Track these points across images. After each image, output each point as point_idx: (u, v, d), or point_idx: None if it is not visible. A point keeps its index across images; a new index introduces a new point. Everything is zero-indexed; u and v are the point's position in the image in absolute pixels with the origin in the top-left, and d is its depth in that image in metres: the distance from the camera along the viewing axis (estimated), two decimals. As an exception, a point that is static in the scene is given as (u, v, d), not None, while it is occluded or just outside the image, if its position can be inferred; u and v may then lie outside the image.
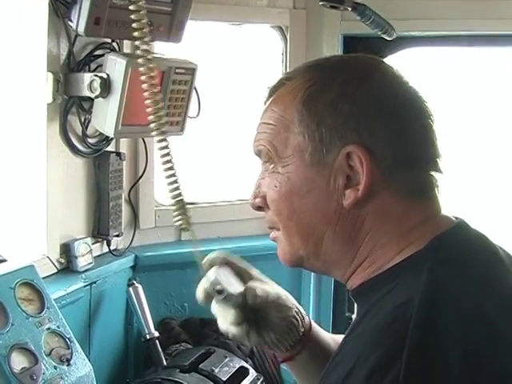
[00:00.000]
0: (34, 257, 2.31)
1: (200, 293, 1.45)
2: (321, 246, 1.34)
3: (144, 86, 1.39)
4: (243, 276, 1.54)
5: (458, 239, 1.29)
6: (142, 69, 1.39)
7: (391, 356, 1.09)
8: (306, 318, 1.62)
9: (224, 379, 2.40)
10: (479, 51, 3.47)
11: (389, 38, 2.67)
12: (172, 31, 2.37)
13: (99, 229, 2.60)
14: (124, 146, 2.70)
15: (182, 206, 1.48)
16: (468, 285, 1.21)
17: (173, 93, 2.42)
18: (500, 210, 4.27)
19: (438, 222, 1.31)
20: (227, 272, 1.49)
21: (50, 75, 2.26)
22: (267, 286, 1.54)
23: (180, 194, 1.45)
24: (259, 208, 1.42)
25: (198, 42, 2.88)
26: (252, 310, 1.47)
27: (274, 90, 1.41)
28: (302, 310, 1.60)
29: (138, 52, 1.39)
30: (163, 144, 1.44)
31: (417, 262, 1.24)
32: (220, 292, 1.40)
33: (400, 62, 3.38)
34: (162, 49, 2.52)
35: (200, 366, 2.41)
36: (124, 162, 2.64)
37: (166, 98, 2.40)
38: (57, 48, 2.31)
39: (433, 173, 1.33)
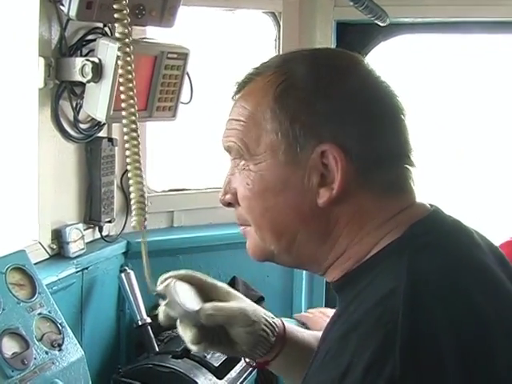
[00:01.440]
0: (26, 242, 2.31)
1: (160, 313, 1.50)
2: (294, 243, 1.33)
3: (119, 71, 1.37)
4: (209, 292, 1.54)
5: (434, 225, 1.30)
6: (118, 53, 1.36)
7: (384, 352, 1.08)
8: (279, 325, 1.61)
9: (216, 365, 2.40)
10: (473, 38, 3.47)
11: (382, 24, 2.67)
12: (164, 16, 2.36)
13: (91, 215, 2.59)
14: (116, 131, 2.68)
15: (141, 204, 1.48)
16: (450, 269, 1.22)
17: (165, 78, 2.41)
18: (493, 200, 4.27)
19: (413, 210, 1.32)
20: (186, 289, 1.48)
21: (42, 60, 2.25)
22: (232, 303, 1.54)
23: (143, 192, 1.45)
24: (229, 204, 1.40)
25: (191, 28, 2.87)
26: (214, 327, 1.49)
27: (243, 85, 1.38)
28: (272, 321, 1.59)
29: (117, 35, 1.37)
30: (133, 134, 1.42)
31: (396, 250, 1.24)
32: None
33: (393, 48, 3.38)
34: (154, 34, 2.51)
35: (192, 351, 2.40)
36: (116, 148, 2.63)
37: (157, 82, 2.39)
38: (48, 32, 2.30)
39: (407, 166, 1.33)
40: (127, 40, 1.40)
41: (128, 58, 1.39)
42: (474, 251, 1.30)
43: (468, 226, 1.36)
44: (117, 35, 1.38)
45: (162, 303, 1.45)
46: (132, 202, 1.51)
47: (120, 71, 1.40)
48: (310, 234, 1.31)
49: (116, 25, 1.37)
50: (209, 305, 1.48)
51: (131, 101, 1.47)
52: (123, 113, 1.44)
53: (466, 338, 1.13)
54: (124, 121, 1.46)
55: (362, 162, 1.27)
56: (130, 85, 1.47)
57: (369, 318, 1.15)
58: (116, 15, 1.35)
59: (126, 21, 1.36)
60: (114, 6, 1.36)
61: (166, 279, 1.50)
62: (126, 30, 1.37)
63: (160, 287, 1.47)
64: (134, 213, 1.52)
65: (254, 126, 1.31)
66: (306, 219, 1.30)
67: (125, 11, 1.38)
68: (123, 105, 1.41)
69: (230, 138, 1.36)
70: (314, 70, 1.30)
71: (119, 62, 1.38)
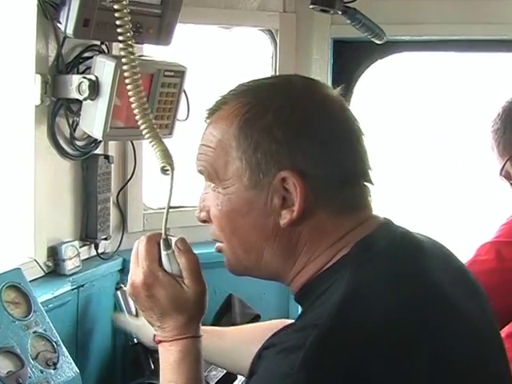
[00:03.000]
0: (21, 260, 2.30)
1: None
2: (261, 259, 1.45)
3: (129, 87, 1.42)
4: None
5: (379, 238, 1.40)
6: (126, 72, 1.42)
7: (299, 342, 1.21)
8: None
9: (212, 384, 2.38)
10: (469, 56, 3.48)
11: (379, 42, 2.68)
12: (161, 34, 2.36)
13: (87, 232, 2.58)
14: (112, 148, 2.68)
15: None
16: (386, 278, 1.33)
17: (162, 95, 2.41)
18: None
19: (365, 226, 1.43)
20: None
21: (39, 77, 2.25)
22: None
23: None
24: (204, 221, 1.51)
25: (188, 45, 2.87)
26: None
27: (212, 112, 1.48)
28: None
29: (122, 53, 1.43)
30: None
31: (343, 265, 1.36)
32: None
33: (389, 66, 3.38)
34: (151, 51, 2.51)
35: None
36: (112, 165, 2.62)
37: (154, 100, 2.39)
38: (45, 50, 2.29)
39: (364, 184, 1.44)
40: (133, 57, 1.47)
41: (136, 76, 1.46)
42: (419, 259, 1.42)
43: (416, 236, 1.48)
44: (123, 59, 1.44)
45: None
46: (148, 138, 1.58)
47: (129, 88, 1.47)
48: (274, 251, 1.43)
49: (120, 45, 1.42)
50: None
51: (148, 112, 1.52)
52: (142, 126, 1.50)
53: (389, 346, 1.23)
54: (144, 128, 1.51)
55: (321, 184, 1.38)
56: (143, 100, 1.54)
57: (305, 320, 1.32)
58: (120, 37, 1.41)
59: (130, 40, 1.43)
60: (118, 27, 1.42)
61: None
62: (132, 49, 1.44)
63: None
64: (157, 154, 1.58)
65: (221, 153, 1.42)
66: (270, 238, 1.42)
67: (129, 34, 1.45)
68: (139, 121, 1.48)
69: (201, 162, 1.47)
70: (274, 100, 1.40)
71: (127, 81, 1.43)
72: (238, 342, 2.09)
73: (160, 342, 1.56)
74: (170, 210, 1.55)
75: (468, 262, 2.42)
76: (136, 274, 1.53)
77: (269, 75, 3.09)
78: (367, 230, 1.41)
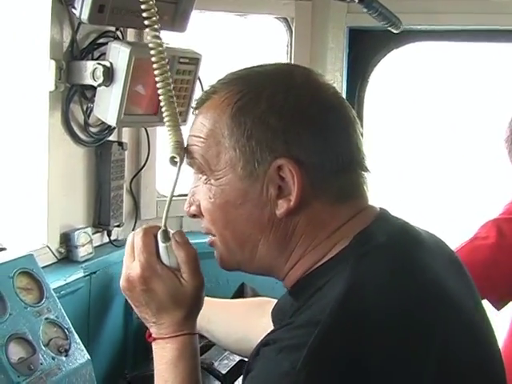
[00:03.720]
0: (34, 246, 2.29)
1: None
2: (256, 252, 1.42)
3: (156, 72, 1.46)
4: None
5: (378, 231, 1.38)
6: (153, 57, 1.41)
7: (300, 342, 1.19)
8: None
9: (223, 372, 2.37)
10: (486, 47, 3.45)
11: (395, 31, 2.65)
12: (176, 20, 2.35)
13: (100, 219, 2.58)
14: (126, 135, 2.68)
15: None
16: (387, 274, 1.30)
17: (176, 83, 2.39)
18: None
19: (362, 217, 1.40)
20: None
21: (53, 63, 2.24)
22: None
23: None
24: (194, 216, 1.49)
25: (203, 33, 2.85)
26: None
27: (201, 102, 1.45)
28: None
29: (149, 38, 1.43)
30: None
31: (342, 260, 1.33)
32: None
33: (405, 56, 3.36)
34: (166, 38, 2.49)
35: (199, 358, 2.38)
36: (126, 152, 2.62)
37: (169, 87, 2.38)
38: (60, 35, 2.28)
39: (359, 172, 1.42)
40: (159, 41, 1.48)
41: (163, 62, 1.46)
42: (417, 252, 1.39)
43: (414, 227, 1.45)
44: (150, 44, 1.43)
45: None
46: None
47: (157, 73, 1.47)
48: (269, 243, 1.40)
49: (147, 31, 1.41)
50: None
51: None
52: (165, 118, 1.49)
53: (390, 343, 1.21)
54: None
55: (317, 172, 1.35)
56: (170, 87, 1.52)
57: (305, 317, 1.27)
58: (146, 22, 1.40)
59: (156, 25, 1.42)
60: (144, 14, 1.42)
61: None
62: (159, 39, 1.44)
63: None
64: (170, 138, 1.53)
65: (213, 143, 1.39)
66: (266, 230, 1.39)
67: (154, 18, 1.44)
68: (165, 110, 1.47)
69: (191, 154, 1.44)
70: (267, 88, 1.37)
71: (154, 66, 1.44)
72: (220, 313, 2.11)
73: (155, 339, 1.53)
74: (177, 198, 1.54)
75: (469, 239, 2.42)
76: (132, 267, 1.49)
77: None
78: (365, 221, 1.39)
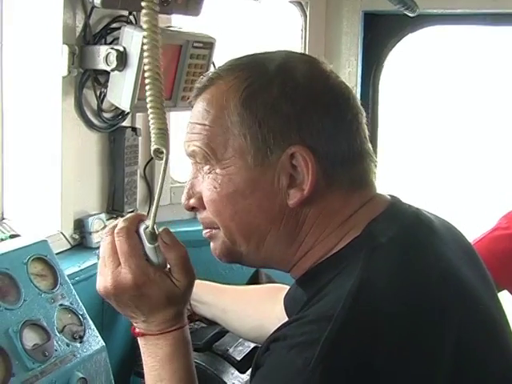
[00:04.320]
0: (48, 232, 2.29)
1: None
2: (263, 243, 1.37)
3: (146, 54, 1.34)
4: None
5: (391, 221, 1.34)
6: (145, 40, 1.34)
7: (312, 338, 1.16)
8: None
9: (238, 359, 2.36)
10: (504, 30, 3.40)
11: (411, 15, 2.62)
12: (190, 4, 2.33)
13: (114, 205, 2.57)
14: (140, 121, 2.66)
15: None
16: (401, 267, 1.27)
17: (190, 67, 2.38)
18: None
19: (373, 205, 1.37)
20: None
21: (66, 48, 2.22)
22: None
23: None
24: (193, 209, 1.42)
25: (217, 17, 2.83)
26: None
27: (203, 89, 1.39)
28: None
29: (142, 17, 1.34)
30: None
31: (355, 249, 1.30)
32: None
33: (421, 40, 3.33)
34: (180, 23, 2.48)
35: (214, 345, 2.37)
36: (140, 138, 2.60)
37: (183, 72, 2.37)
38: (72, 20, 2.27)
39: (368, 162, 1.38)
40: (155, 29, 1.36)
41: (155, 42, 1.35)
42: (432, 242, 1.36)
43: (426, 215, 1.42)
44: (142, 18, 1.34)
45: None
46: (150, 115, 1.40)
47: (146, 60, 1.36)
48: (279, 234, 1.35)
49: (142, 13, 1.33)
50: None
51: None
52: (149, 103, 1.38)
53: (405, 338, 1.19)
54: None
55: (329, 161, 1.31)
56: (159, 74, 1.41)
57: (317, 313, 1.22)
58: (143, 3, 1.32)
59: (155, 7, 1.33)
60: None
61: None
62: (154, 21, 1.33)
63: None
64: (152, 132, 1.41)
65: (220, 130, 1.33)
66: (276, 220, 1.34)
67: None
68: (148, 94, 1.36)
69: (194, 142, 1.37)
70: (278, 74, 1.33)
71: (144, 47, 1.34)
72: (234, 302, 2.11)
73: (143, 335, 1.47)
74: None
75: (490, 229, 2.40)
76: (120, 274, 1.41)
77: (297, 49, 3.06)
78: (376, 209, 1.36)
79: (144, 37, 1.36)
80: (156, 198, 1.42)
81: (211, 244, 1.44)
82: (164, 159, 1.38)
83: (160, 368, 1.45)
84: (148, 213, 2.74)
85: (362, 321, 1.18)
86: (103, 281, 1.43)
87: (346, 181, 1.34)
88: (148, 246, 1.42)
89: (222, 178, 1.34)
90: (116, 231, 1.42)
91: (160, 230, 1.44)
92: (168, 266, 1.44)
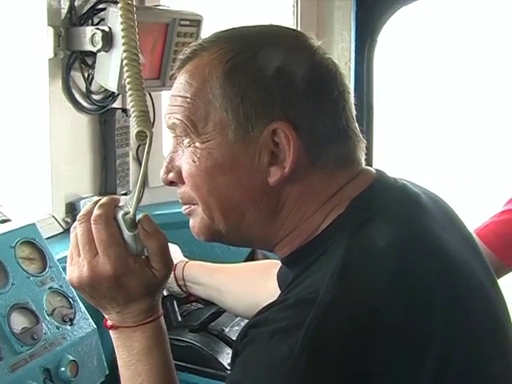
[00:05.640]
0: (40, 216, 2.28)
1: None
2: (243, 221, 1.32)
3: (122, 33, 1.31)
4: None
5: (376, 196, 1.31)
6: (120, 19, 1.31)
7: (296, 322, 1.12)
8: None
9: (234, 339, 2.34)
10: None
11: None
12: (176, -18, 2.31)
13: (106, 187, 2.56)
14: (131, 102, 2.64)
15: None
16: (388, 243, 1.23)
17: (178, 45, 2.36)
18: None
19: (357, 181, 1.33)
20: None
21: (51, 29, 2.21)
22: None
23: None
24: (171, 183, 1.37)
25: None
26: None
27: (186, 61, 1.34)
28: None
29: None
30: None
31: (339, 226, 1.27)
32: None
33: (413, 15, 3.30)
34: (168, 1, 2.46)
35: (210, 325, 2.36)
36: (131, 119, 2.58)
37: (170, 50, 2.35)
38: (57, 2, 2.26)
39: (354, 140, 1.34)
40: (129, 8, 1.33)
41: (130, 21, 1.32)
42: (419, 218, 1.32)
43: (413, 189, 1.37)
44: (118, 5, 1.32)
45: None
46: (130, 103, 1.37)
47: (123, 39, 1.34)
48: (259, 212, 1.31)
49: None
50: None
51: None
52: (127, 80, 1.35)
53: (393, 314, 1.15)
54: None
55: (313, 139, 1.28)
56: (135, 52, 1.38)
57: (300, 294, 1.18)
58: None
59: None
60: None
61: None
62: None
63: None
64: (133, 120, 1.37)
65: (201, 103, 1.29)
66: (256, 198, 1.30)
67: None
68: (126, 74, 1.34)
69: (175, 115, 1.32)
70: (262, 47, 1.29)
71: (121, 27, 1.31)
72: (229, 281, 2.10)
73: (117, 327, 1.40)
74: None
75: (497, 213, 2.38)
76: (98, 263, 1.34)
77: (290, 25, 3.03)
78: (361, 185, 1.32)
79: (119, 16, 1.33)
80: (139, 182, 1.38)
81: (190, 221, 1.39)
82: (148, 142, 1.35)
83: (137, 362, 1.38)
84: (142, 194, 2.72)
85: (346, 302, 1.15)
86: (78, 271, 1.36)
87: (330, 159, 1.30)
88: (127, 233, 1.36)
89: (202, 152, 1.29)
90: (93, 218, 1.36)
91: (140, 216, 1.38)
92: (145, 254, 1.38)
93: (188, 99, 1.30)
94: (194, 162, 1.30)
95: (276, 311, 1.18)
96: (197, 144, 1.30)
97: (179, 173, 1.34)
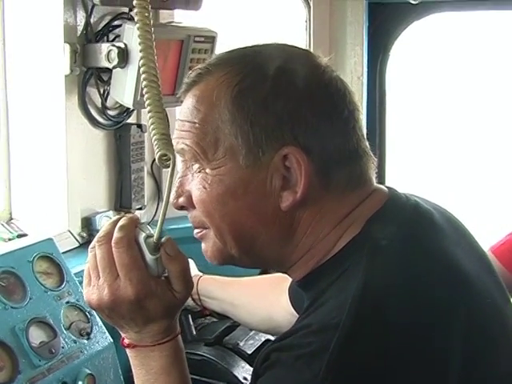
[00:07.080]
0: (56, 231, 2.29)
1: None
2: (255, 245, 1.31)
3: (140, 61, 1.30)
4: None
5: (391, 218, 1.30)
6: (138, 39, 1.29)
7: (321, 347, 1.12)
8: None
9: (249, 352, 2.35)
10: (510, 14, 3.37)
11: (414, 2, 2.61)
12: (191, -1, 2.33)
13: (121, 202, 2.58)
14: (145, 117, 2.65)
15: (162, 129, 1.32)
16: (404, 269, 1.23)
17: (192, 62, 2.38)
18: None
19: (370, 201, 1.32)
20: None
21: (67, 46, 2.23)
22: None
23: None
24: (182, 208, 1.35)
25: (220, 10, 2.83)
26: None
27: (192, 85, 1.32)
28: None
29: (136, 17, 1.30)
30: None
31: (356, 249, 1.25)
32: None
33: (426, 29, 3.31)
34: (182, 18, 2.48)
35: (225, 339, 2.37)
36: (145, 134, 2.60)
37: (185, 66, 2.37)
38: (73, 19, 2.28)
39: (366, 159, 1.32)
40: (147, 28, 1.31)
41: (148, 39, 1.30)
42: (433, 237, 1.32)
43: (425, 206, 1.36)
44: (136, 18, 1.30)
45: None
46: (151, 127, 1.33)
47: (141, 54, 1.32)
48: (272, 236, 1.30)
49: (134, 11, 1.30)
50: None
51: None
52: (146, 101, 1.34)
53: (416, 338, 1.16)
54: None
55: (324, 161, 1.26)
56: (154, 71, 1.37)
57: (323, 318, 1.18)
58: (135, 1, 1.28)
59: (144, 8, 1.28)
60: None
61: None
62: (146, 20, 1.28)
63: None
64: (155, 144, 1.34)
65: (210, 128, 1.27)
66: (268, 223, 1.28)
67: None
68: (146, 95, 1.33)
69: (183, 140, 1.30)
70: (269, 69, 1.26)
71: (139, 46, 1.30)
72: (242, 295, 2.10)
73: (135, 346, 1.39)
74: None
75: None
76: (119, 287, 1.32)
77: (302, 40, 3.04)
78: (375, 205, 1.31)
79: (138, 37, 1.32)
80: (163, 206, 1.35)
81: (202, 245, 1.38)
82: (171, 165, 1.32)
83: (155, 382, 1.38)
84: (157, 209, 2.74)
85: (369, 327, 1.15)
86: (97, 294, 1.34)
87: (342, 180, 1.29)
88: (150, 256, 1.34)
89: (213, 179, 1.27)
90: (115, 241, 1.33)
91: (163, 239, 1.35)
92: (165, 274, 1.37)
93: (196, 125, 1.28)
94: (205, 188, 1.28)
95: (300, 337, 1.18)
96: (207, 170, 1.28)
97: (189, 197, 1.32)
